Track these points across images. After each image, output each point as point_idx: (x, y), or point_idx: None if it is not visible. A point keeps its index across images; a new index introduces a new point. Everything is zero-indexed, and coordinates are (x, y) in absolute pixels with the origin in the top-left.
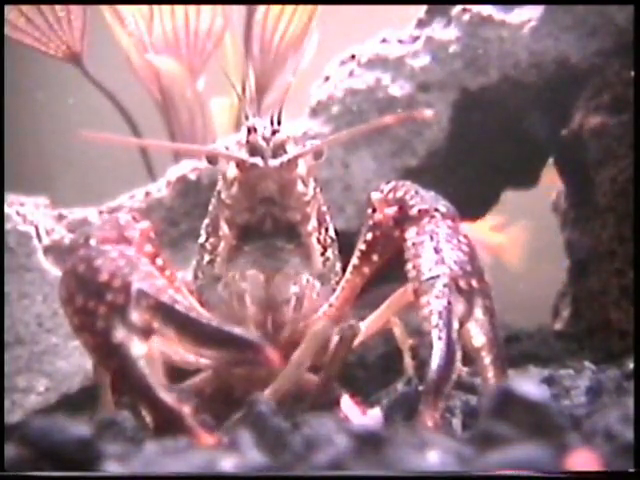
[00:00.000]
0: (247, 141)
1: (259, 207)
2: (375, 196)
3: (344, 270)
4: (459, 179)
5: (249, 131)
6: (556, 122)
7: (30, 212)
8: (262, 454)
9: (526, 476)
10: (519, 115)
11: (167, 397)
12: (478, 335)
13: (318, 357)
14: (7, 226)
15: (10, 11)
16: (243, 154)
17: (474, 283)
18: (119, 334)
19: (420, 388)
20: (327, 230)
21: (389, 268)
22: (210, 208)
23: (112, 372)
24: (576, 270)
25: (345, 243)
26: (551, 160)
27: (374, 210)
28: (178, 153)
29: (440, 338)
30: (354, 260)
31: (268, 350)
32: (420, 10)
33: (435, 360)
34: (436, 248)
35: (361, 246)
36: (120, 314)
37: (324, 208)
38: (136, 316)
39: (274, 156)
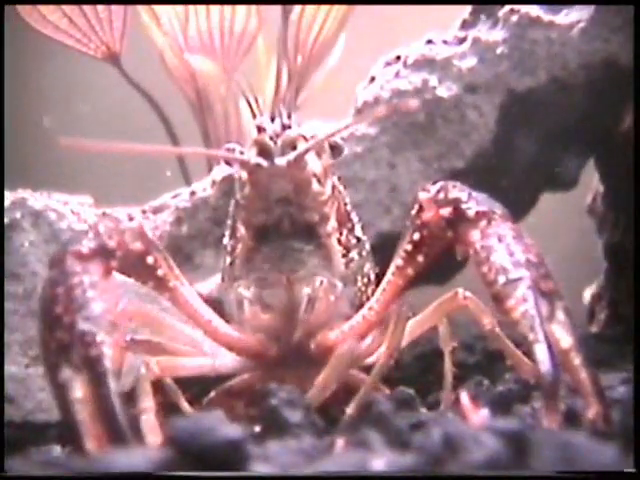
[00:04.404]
0: (255, 141)
1: (275, 208)
2: (423, 196)
3: (383, 271)
4: (503, 181)
5: (258, 130)
6: (603, 124)
7: (83, 211)
8: (399, 454)
9: (527, 476)
10: (566, 117)
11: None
12: (564, 336)
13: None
14: (62, 224)
15: (53, 12)
16: (251, 154)
17: (552, 285)
18: (64, 374)
19: (513, 387)
20: (351, 230)
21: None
22: (230, 209)
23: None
24: (614, 273)
25: (391, 244)
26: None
27: (421, 209)
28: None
29: (540, 341)
30: (397, 261)
31: None
32: (463, 11)
33: (544, 364)
34: (508, 251)
35: (406, 246)
36: (65, 354)
37: (348, 207)
38: (77, 358)
39: (283, 154)
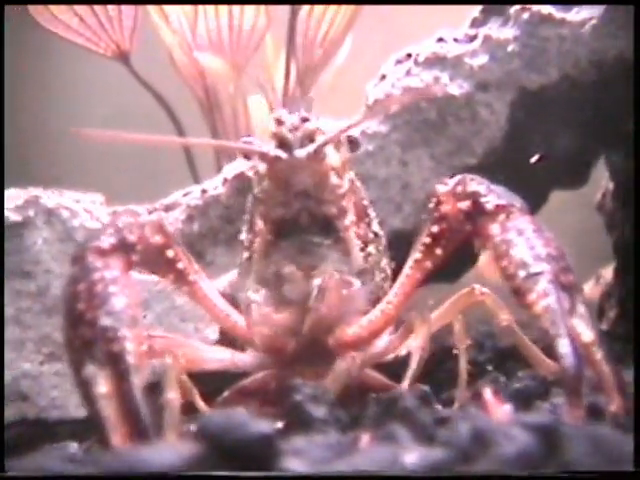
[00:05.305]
0: (274, 133)
1: (294, 201)
2: (442, 189)
3: (400, 266)
4: (513, 178)
5: (276, 123)
6: (615, 121)
7: (95, 209)
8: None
9: (526, 476)
10: (578, 114)
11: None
12: (585, 330)
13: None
14: (75, 222)
15: (64, 12)
16: (269, 147)
17: (572, 278)
18: (88, 370)
19: (529, 384)
20: (369, 224)
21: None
22: (247, 204)
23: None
24: (623, 270)
25: (402, 241)
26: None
27: (439, 202)
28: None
29: (562, 335)
30: (415, 254)
31: None
32: (474, 9)
33: (567, 358)
34: (529, 244)
35: (425, 239)
36: (89, 350)
37: (365, 202)
38: (100, 354)
39: (302, 147)
